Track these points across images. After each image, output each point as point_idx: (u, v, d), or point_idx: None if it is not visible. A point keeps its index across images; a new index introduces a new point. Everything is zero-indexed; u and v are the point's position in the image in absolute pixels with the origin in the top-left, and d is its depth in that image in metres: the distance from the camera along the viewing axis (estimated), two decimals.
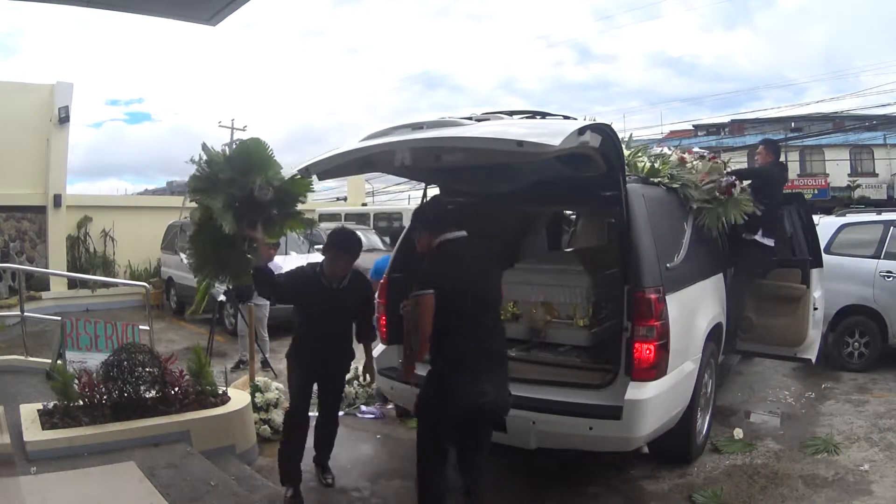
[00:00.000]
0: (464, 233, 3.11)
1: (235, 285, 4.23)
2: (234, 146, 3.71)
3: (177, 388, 4.22)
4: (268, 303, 7.00)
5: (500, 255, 3.54)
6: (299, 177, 3.55)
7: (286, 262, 6.41)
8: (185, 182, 3.82)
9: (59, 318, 5.44)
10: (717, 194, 4.72)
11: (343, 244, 3.73)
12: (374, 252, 12.41)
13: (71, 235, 13.41)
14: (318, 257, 3.93)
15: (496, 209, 4.93)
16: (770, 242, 5.31)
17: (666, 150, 5.19)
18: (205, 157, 3.33)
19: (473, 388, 2.92)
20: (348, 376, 5.84)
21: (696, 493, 3.80)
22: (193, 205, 3.52)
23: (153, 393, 4.14)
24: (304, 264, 3.93)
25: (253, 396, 4.78)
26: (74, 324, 4.93)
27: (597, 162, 3.53)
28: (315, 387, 3.93)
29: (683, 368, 3.81)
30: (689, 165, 4.77)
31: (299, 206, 3.67)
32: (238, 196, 3.30)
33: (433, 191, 4.77)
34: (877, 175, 27.04)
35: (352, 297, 3.80)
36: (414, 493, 3.19)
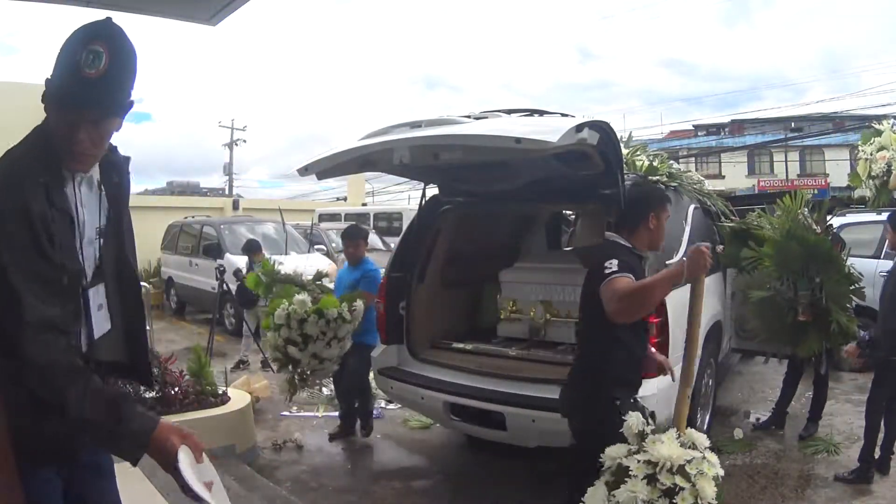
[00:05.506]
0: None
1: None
2: None
3: (177, 388, 4.22)
4: None
5: None
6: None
7: (286, 261, 6.41)
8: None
9: None
10: None
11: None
12: (373, 252, 12.36)
13: None
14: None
15: (495, 208, 4.92)
16: None
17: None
18: None
19: None
20: None
21: None
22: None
23: (153, 393, 4.14)
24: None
25: None
26: None
27: (595, 160, 3.52)
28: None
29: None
30: None
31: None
32: None
33: (432, 190, 4.77)
34: None
35: None
36: (414, 493, 3.18)
